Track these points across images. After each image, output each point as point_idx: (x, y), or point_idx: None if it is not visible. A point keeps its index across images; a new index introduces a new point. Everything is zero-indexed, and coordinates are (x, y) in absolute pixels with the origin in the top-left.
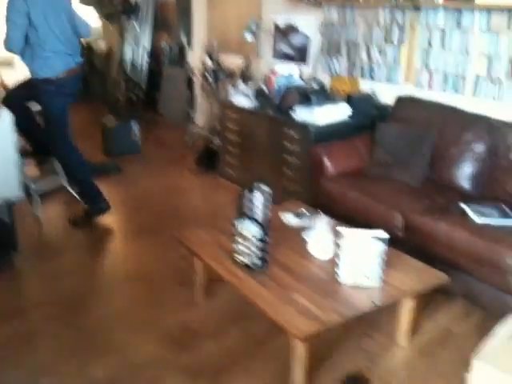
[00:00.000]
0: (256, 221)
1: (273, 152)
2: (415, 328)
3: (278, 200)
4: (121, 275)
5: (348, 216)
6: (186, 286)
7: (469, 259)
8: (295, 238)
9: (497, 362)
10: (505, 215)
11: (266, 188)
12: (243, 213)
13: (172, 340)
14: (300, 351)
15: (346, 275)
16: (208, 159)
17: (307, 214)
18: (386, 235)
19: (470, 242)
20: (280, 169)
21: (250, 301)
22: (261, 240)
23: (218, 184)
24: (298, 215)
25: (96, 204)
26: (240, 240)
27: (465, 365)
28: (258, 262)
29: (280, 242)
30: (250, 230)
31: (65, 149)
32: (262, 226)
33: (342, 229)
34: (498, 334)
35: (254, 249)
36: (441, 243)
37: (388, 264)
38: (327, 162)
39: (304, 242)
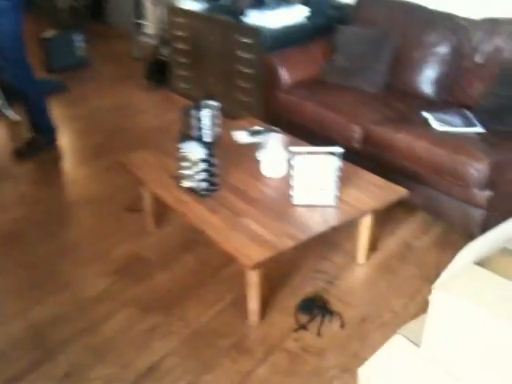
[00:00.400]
0: (202, 142)
1: (225, 62)
2: (375, 245)
3: (232, 115)
4: (69, 204)
5: (305, 129)
6: (137, 213)
7: (430, 170)
8: (248, 158)
9: (457, 290)
10: (468, 123)
11: (215, 103)
12: (187, 134)
13: (123, 271)
14: (253, 279)
15: (300, 196)
16: (158, 72)
17: (261, 131)
18: (340, 150)
19: (431, 152)
20: (234, 80)
21: (198, 229)
22: (207, 162)
23: (170, 100)
24: (252, 133)
25: (46, 135)
26: (186, 164)
27: (425, 280)
28: (206, 187)
29: (231, 164)
30: (195, 152)
31: (27, 76)
32: (209, 147)
33: (294, 148)
34: (459, 261)
35: (201, 173)
36: (401, 154)
37: (344, 181)
38: (282, 71)
39: (257, 162)
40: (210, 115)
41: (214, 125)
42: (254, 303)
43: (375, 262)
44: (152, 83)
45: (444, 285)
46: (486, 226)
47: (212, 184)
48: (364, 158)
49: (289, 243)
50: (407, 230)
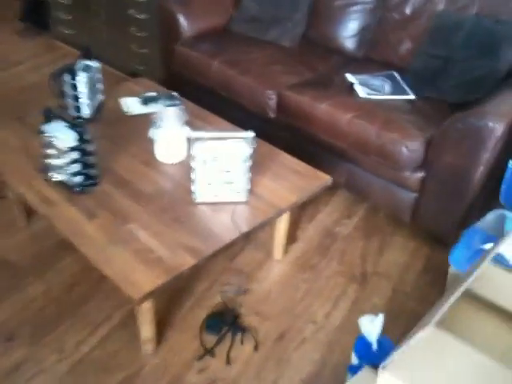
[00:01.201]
0: (71, 123)
1: (115, 3)
2: (293, 235)
3: (126, 69)
4: None
5: (212, 94)
6: (4, 203)
7: (355, 147)
8: (139, 136)
9: (404, 373)
10: (398, 89)
11: (95, 64)
12: (50, 112)
13: None
14: (145, 307)
15: (203, 192)
16: (36, 14)
17: (157, 97)
18: (251, 134)
19: (356, 127)
20: (126, 27)
21: (66, 241)
22: (80, 151)
23: (52, 48)
24: (145, 100)
25: None
26: (53, 152)
27: (349, 278)
28: (80, 181)
29: (117, 145)
30: (63, 138)
31: None
32: (81, 130)
33: (195, 133)
34: (409, 344)
35: (72, 165)
36: (322, 127)
37: (259, 168)
38: (181, 19)
39: (150, 142)
40: (86, 81)
41: (93, 92)
42: (147, 331)
43: (294, 257)
44: (29, 27)
45: (392, 365)
46: (416, 210)
47: (88, 177)
48: (280, 129)
49: (188, 261)
50: (329, 214)
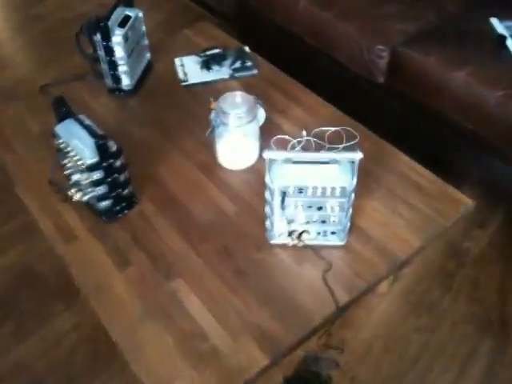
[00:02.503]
0: (91, 130)
1: None
2: None
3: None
4: None
5: (298, 42)
6: None
7: (503, 134)
8: (199, 120)
9: None
10: None
11: (136, 12)
12: (63, 103)
13: None
14: None
15: (282, 230)
16: None
17: (223, 56)
18: (357, 155)
19: (508, 107)
20: None
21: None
22: (104, 169)
23: None
24: (207, 63)
25: None
26: (70, 164)
27: (477, 324)
28: (108, 207)
29: (169, 135)
30: (80, 148)
31: None
32: (102, 140)
33: (271, 153)
34: None
35: (94, 185)
36: (454, 104)
37: (362, 182)
38: None
39: (210, 129)
40: (126, 41)
41: (137, 54)
42: None
43: (404, 289)
44: None
45: None
46: None
47: (119, 200)
48: (390, 99)
49: (258, 359)
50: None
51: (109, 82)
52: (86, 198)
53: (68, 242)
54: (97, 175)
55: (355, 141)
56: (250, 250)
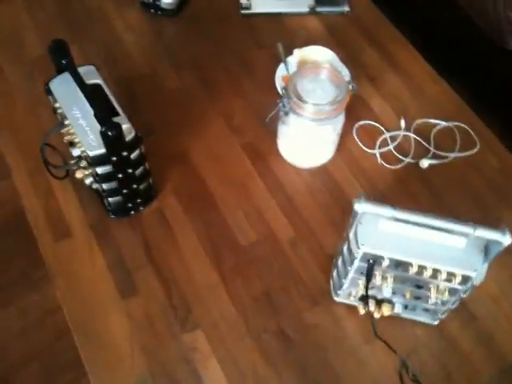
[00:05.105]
0: (106, 109)
1: None
2: None
3: None
4: None
5: None
6: None
7: None
8: (259, 72)
9: None
10: None
11: None
12: (63, 46)
13: None
14: None
15: (355, 290)
16: None
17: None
18: (505, 239)
19: None
20: None
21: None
22: (113, 164)
23: None
24: None
25: None
26: (70, 137)
27: None
28: (117, 202)
29: (215, 92)
30: (83, 125)
31: None
32: (111, 123)
33: (364, 205)
34: None
35: (100, 181)
36: None
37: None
38: None
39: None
40: None
41: None
42: None
43: None
44: None
45: None
46: None
47: (134, 195)
48: None
49: None
50: None
51: None
52: (89, 182)
53: (57, 240)
54: (103, 169)
55: (474, 150)
56: (303, 304)
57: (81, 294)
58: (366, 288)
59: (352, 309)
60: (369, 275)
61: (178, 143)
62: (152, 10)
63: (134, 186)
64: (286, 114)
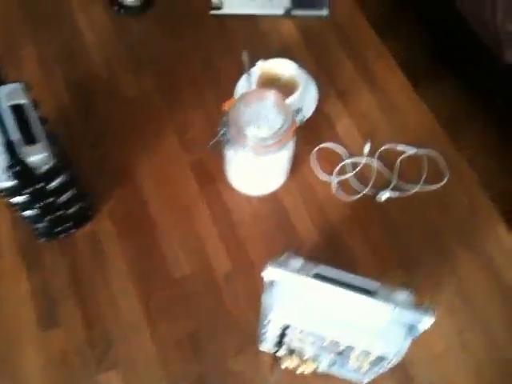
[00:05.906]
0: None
1: None
2: None
3: None
4: None
5: None
6: None
7: None
8: (225, 80)
9: None
10: None
11: None
12: None
13: None
14: None
15: (277, 345)
16: None
17: None
18: (423, 322)
19: None
20: None
21: None
22: (31, 193)
23: None
24: None
25: None
26: None
27: None
28: (44, 228)
29: (175, 101)
30: None
31: None
32: (16, 161)
33: (274, 271)
34: None
35: (20, 208)
36: None
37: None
38: None
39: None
40: None
41: None
42: None
43: None
44: None
45: None
46: None
47: (63, 220)
48: None
49: None
50: None
51: None
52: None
53: None
54: (19, 199)
55: (441, 184)
56: (229, 349)
57: (2, 321)
58: (275, 351)
59: (276, 360)
60: (281, 339)
61: (125, 159)
62: (116, 7)
63: (60, 212)
64: (228, 142)
